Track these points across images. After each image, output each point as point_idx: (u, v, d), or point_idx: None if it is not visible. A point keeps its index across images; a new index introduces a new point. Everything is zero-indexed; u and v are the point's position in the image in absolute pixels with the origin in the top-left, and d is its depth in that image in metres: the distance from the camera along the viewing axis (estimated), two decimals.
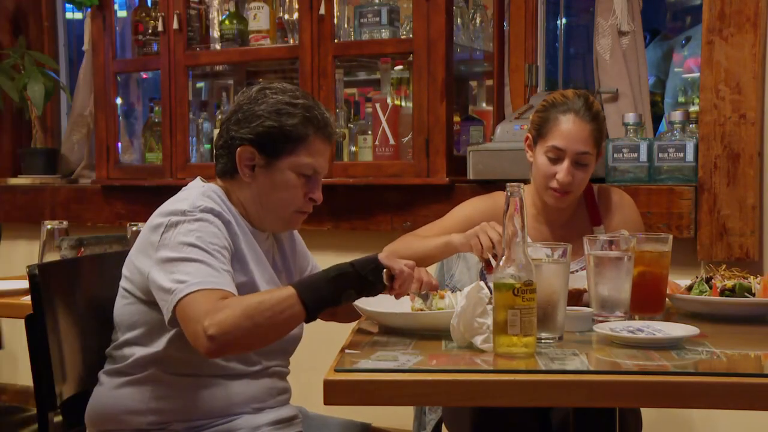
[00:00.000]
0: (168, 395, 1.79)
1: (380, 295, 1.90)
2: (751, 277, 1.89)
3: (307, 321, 1.65)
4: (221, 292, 1.63)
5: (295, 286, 1.63)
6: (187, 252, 1.68)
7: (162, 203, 1.81)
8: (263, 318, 1.58)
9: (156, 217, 1.78)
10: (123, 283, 1.84)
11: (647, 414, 2.23)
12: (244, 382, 1.83)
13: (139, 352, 1.80)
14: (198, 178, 1.91)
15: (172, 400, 1.79)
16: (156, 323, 1.77)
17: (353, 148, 3.30)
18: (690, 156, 2.82)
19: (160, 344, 1.78)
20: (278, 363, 1.92)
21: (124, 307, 1.84)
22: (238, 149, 1.82)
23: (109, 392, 1.83)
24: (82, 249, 2.72)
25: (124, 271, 1.84)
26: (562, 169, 2.15)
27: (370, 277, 1.65)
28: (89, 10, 3.77)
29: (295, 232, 2.05)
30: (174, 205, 1.77)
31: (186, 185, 1.88)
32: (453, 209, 2.34)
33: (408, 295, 1.76)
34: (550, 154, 2.17)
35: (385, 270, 1.65)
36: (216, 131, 3.51)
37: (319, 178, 1.87)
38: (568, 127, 2.16)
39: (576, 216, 2.27)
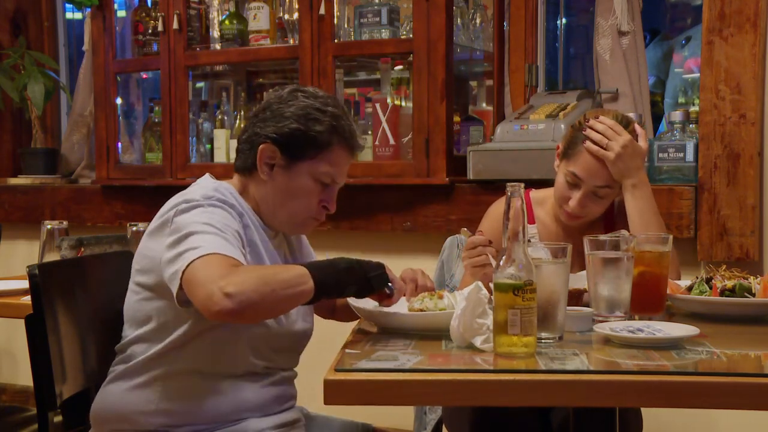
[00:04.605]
0: (177, 397, 1.78)
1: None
2: (751, 277, 1.89)
3: (310, 302, 1.66)
4: (235, 260, 1.61)
5: (306, 267, 1.65)
6: (201, 228, 1.66)
7: (162, 203, 1.81)
8: (278, 286, 1.58)
9: (167, 205, 1.77)
10: (134, 277, 1.83)
11: (647, 414, 2.23)
12: (255, 389, 1.82)
13: (149, 349, 1.78)
14: (207, 175, 1.90)
15: (181, 403, 1.78)
16: (168, 319, 1.76)
17: None
18: (690, 156, 2.82)
19: (173, 340, 1.76)
20: (288, 366, 1.92)
21: (135, 303, 1.82)
22: (261, 146, 1.82)
23: (118, 391, 1.82)
24: (82, 249, 2.72)
25: (135, 265, 1.83)
26: (575, 198, 2.13)
27: (373, 282, 1.70)
28: (89, 10, 3.77)
29: None
30: (186, 195, 1.77)
31: (189, 184, 1.87)
32: (480, 226, 2.28)
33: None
34: (569, 179, 2.14)
35: (388, 281, 1.73)
36: (216, 131, 3.53)
37: (335, 188, 1.88)
38: (590, 162, 2.11)
39: (592, 226, 2.22)
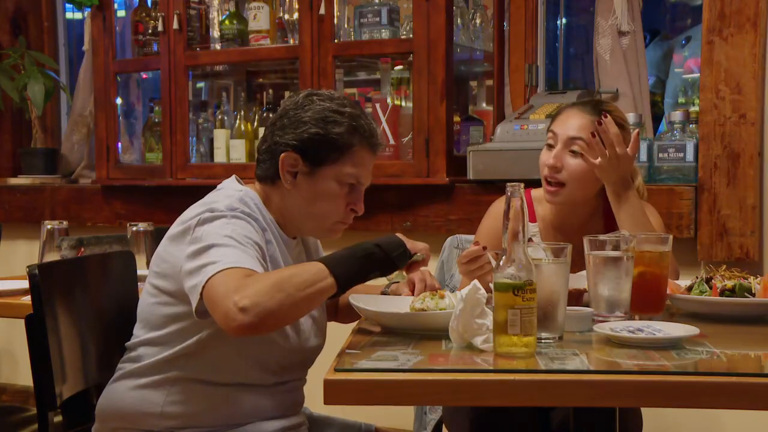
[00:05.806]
0: (183, 402, 1.77)
1: (380, 295, 1.91)
2: (751, 277, 1.89)
3: (336, 296, 1.65)
4: (249, 271, 1.59)
5: (323, 261, 1.63)
6: (221, 240, 1.65)
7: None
8: (295, 289, 1.55)
9: (191, 211, 1.75)
10: (151, 279, 1.81)
11: (647, 414, 2.23)
12: (262, 397, 1.81)
13: (159, 354, 1.77)
14: (233, 177, 1.88)
15: (186, 407, 1.77)
16: (183, 326, 1.74)
17: None
18: (690, 156, 2.82)
19: (184, 348, 1.75)
20: (298, 377, 1.91)
21: (151, 305, 1.81)
22: (282, 155, 1.79)
23: (123, 390, 1.81)
24: (82, 249, 2.72)
25: (153, 267, 1.81)
26: (551, 154, 2.15)
27: (397, 261, 1.70)
28: (89, 10, 3.77)
29: None
30: (210, 204, 1.75)
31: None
32: (481, 225, 2.31)
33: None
34: (549, 141, 2.18)
35: (412, 256, 1.73)
36: (216, 131, 3.53)
37: (361, 189, 1.86)
38: (566, 115, 2.18)
39: (591, 223, 2.23)
